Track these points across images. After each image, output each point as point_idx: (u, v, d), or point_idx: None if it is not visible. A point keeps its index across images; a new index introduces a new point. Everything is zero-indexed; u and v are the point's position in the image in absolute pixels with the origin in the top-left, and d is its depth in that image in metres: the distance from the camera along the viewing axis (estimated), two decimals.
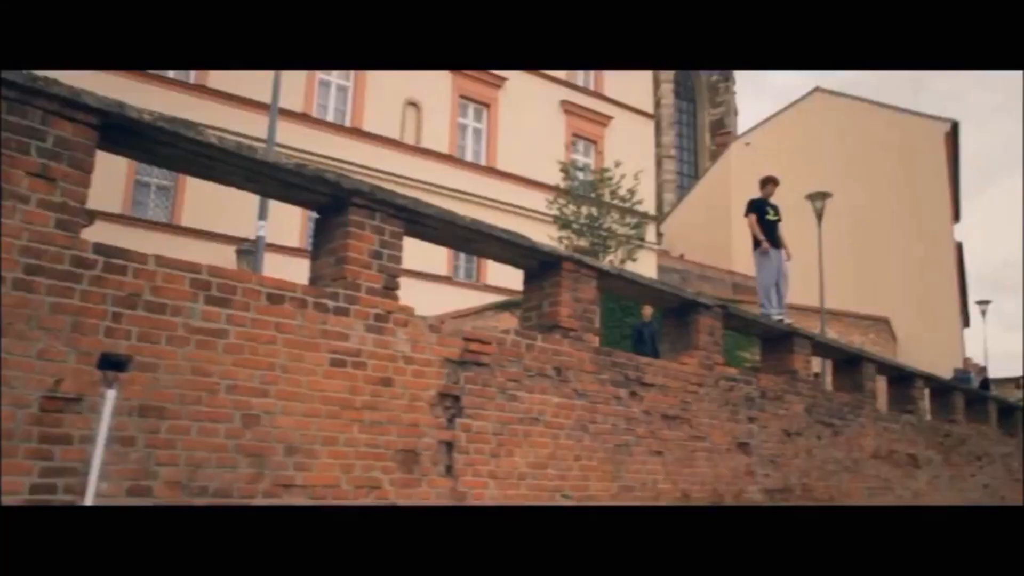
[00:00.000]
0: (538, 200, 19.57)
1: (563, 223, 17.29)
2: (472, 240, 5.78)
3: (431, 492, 5.16)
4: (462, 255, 20.41)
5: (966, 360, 21.92)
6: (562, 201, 17.61)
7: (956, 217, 38.87)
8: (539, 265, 6.40)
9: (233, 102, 19.01)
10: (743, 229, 10.53)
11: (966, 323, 39.53)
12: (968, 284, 40.42)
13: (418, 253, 17.74)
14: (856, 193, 30.92)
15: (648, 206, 25.09)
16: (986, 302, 29.81)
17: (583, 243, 16.65)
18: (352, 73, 20.69)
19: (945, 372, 17.31)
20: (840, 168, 31.03)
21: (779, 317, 9.67)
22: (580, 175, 20.66)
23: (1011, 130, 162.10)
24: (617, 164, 16.55)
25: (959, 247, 38.37)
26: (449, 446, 5.32)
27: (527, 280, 6.60)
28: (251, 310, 4.42)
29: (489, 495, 5.53)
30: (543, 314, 6.37)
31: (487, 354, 5.61)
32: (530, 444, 5.88)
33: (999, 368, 22.81)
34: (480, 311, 18.68)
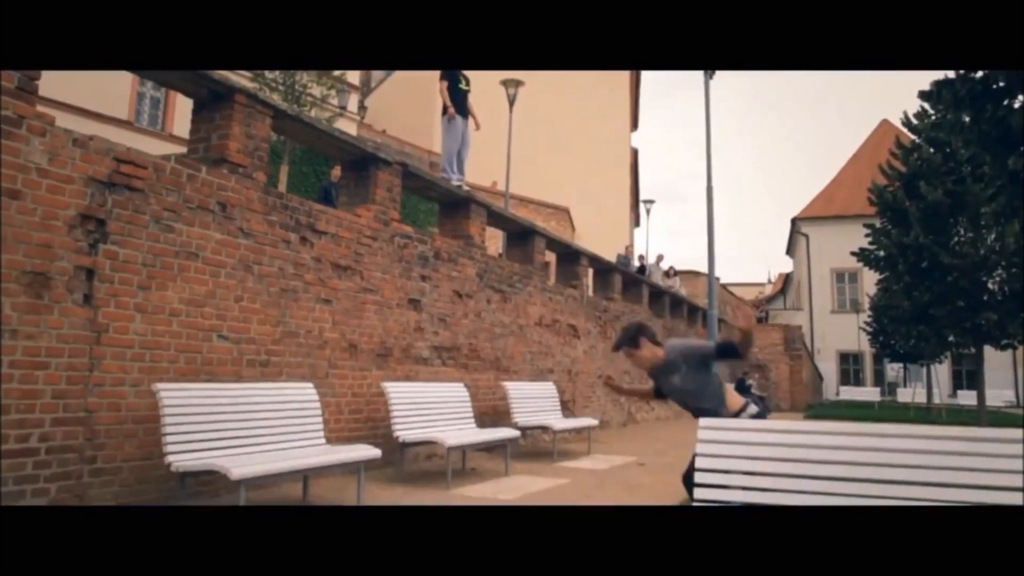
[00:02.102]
0: None
1: (255, 75, 16.37)
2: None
3: (63, 321, 4.77)
4: (148, 96, 18.59)
5: (627, 247, 24.18)
6: None
7: (635, 125, 42.39)
8: (209, 94, 6.00)
9: None
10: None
11: (637, 222, 43.65)
12: (643, 190, 44.57)
13: (92, 91, 15.97)
14: (547, 90, 32.40)
15: (352, 77, 24.47)
16: (650, 201, 33.05)
17: (277, 99, 15.85)
18: None
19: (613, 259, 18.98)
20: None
21: (458, 183, 9.96)
22: None
23: None
24: None
25: (635, 153, 41.96)
26: (90, 273, 4.93)
27: (196, 111, 6.18)
28: None
29: (134, 329, 5.23)
30: (211, 147, 6.02)
31: (141, 178, 5.22)
32: (185, 280, 5.62)
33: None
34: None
